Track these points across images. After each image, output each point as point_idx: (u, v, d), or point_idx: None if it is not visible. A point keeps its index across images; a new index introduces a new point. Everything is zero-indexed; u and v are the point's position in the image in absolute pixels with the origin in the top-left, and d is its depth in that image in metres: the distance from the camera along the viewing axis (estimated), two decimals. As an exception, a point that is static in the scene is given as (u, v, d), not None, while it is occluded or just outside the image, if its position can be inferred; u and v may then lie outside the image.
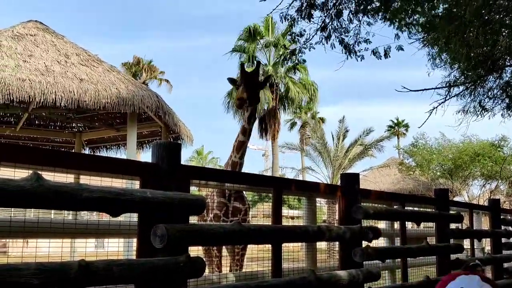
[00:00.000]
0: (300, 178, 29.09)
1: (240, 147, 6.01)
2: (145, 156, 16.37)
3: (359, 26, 8.47)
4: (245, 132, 6.01)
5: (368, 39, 8.59)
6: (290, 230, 4.10)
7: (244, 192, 6.28)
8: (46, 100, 9.98)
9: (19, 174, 2.43)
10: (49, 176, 2.51)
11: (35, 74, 10.19)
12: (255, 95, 5.76)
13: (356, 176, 5.06)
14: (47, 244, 3.43)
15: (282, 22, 8.57)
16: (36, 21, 12.11)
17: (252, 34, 27.15)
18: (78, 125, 14.96)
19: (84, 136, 15.10)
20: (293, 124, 49.74)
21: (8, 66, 10.12)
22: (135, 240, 4.13)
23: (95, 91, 10.47)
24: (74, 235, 3.60)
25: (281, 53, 26.82)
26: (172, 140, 13.90)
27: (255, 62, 6.69)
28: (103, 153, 15.89)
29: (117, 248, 5.21)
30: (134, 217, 3.41)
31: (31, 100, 10.06)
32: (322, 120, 47.36)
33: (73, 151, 14.63)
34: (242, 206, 6.11)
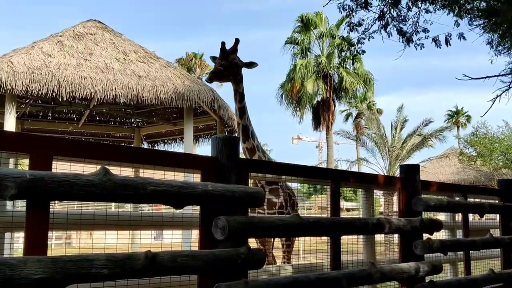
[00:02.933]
0: (356, 169, 28.73)
1: (240, 131, 6.09)
2: (201, 149, 16.69)
3: (418, 14, 8.24)
4: (237, 113, 6.13)
5: (426, 28, 8.36)
6: (349, 222, 4.07)
7: (284, 183, 6.24)
8: (107, 97, 10.34)
9: (88, 169, 2.55)
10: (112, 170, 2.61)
11: (96, 71, 10.56)
12: (230, 70, 5.88)
13: (416, 167, 4.94)
14: (109, 235, 3.58)
15: (340, 13, 8.45)
16: (95, 20, 12.53)
17: (305, 24, 26.90)
18: (137, 120, 15.39)
19: (143, 131, 15.53)
20: (348, 115, 49.09)
21: (70, 65, 10.54)
22: (192, 231, 4.23)
23: (153, 87, 10.75)
24: (134, 227, 3.74)
25: (336, 43, 26.49)
26: (226, 133, 14.07)
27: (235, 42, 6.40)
28: (161, 147, 16.30)
29: (174, 240, 5.34)
30: (188, 210, 3.48)
31: (92, 97, 10.45)
32: (379, 111, 46.46)
33: (133, 145, 15.11)
34: (276, 199, 6.10)
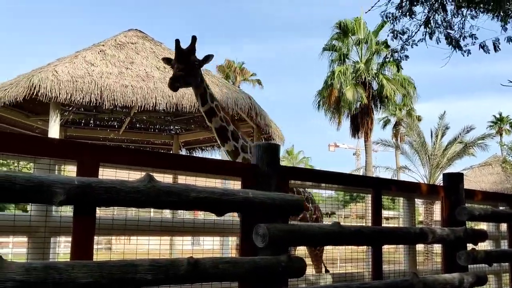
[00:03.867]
0: (395, 177, 28.25)
1: (215, 134, 5.52)
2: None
3: (464, 20, 8.09)
4: (205, 117, 5.51)
5: (474, 34, 8.20)
6: (391, 232, 4.00)
7: (308, 192, 6.01)
8: (147, 105, 10.54)
9: (133, 175, 2.60)
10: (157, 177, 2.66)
11: (137, 80, 10.78)
12: (191, 73, 5.14)
13: (460, 176, 4.83)
14: (146, 241, 3.63)
15: (383, 21, 8.39)
16: (136, 29, 12.80)
17: (343, 30, 26.76)
18: (176, 127, 15.60)
19: (181, 138, 15.72)
20: (386, 122, 48.39)
21: (112, 74, 10.80)
22: (230, 238, 4.25)
23: (192, 94, 10.88)
24: (176, 233, 3.78)
25: (374, 49, 26.20)
26: (263, 140, 14.09)
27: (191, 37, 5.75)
28: (199, 154, 16.46)
29: (212, 246, 5.38)
30: (227, 216, 3.49)
31: (133, 105, 10.66)
32: (418, 118, 45.63)
33: (171, 152, 15.32)
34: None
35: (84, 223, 2.39)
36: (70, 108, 13.11)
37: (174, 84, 4.95)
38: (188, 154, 16.15)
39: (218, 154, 15.61)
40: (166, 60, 5.41)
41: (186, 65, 5.02)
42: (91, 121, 14.81)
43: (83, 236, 2.40)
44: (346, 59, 27.17)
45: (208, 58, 5.26)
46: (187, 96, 10.81)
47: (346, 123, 27.48)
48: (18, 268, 2.01)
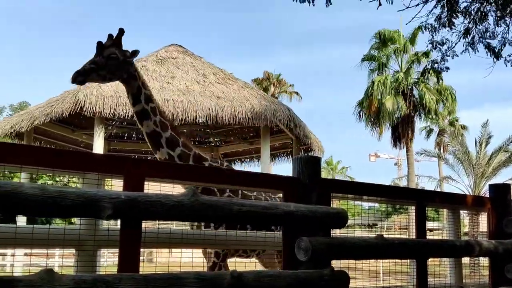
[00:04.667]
0: (438, 187, 27.55)
1: (147, 140, 5.07)
2: (276, 168, 16.75)
3: (507, 29, 7.95)
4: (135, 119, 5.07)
5: None
6: (436, 244, 3.92)
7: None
8: (188, 118, 10.74)
9: (176, 189, 2.65)
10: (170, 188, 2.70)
11: (178, 94, 11.01)
12: (107, 67, 4.63)
13: (507, 187, 4.69)
14: (188, 252, 3.68)
15: (422, 33, 8.35)
16: (176, 44, 13.09)
17: (382, 40, 26.53)
18: (215, 139, 15.78)
19: (221, 149, 15.88)
20: (429, 132, 47.38)
21: (154, 88, 11.05)
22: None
23: (231, 107, 11.02)
24: (213, 246, 3.82)
25: (414, 59, 25.79)
26: (302, 151, 14.09)
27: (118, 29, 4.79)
28: (238, 166, 16.58)
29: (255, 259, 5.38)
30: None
31: (174, 118, 10.87)
32: (463, 127, 44.49)
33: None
34: None
35: (130, 236, 2.45)
36: (114, 122, 13.47)
37: (77, 78, 4.48)
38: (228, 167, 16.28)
39: (257, 166, 15.68)
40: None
41: (99, 59, 4.61)
42: (134, 135, 15.15)
43: (129, 249, 2.46)
44: (385, 69, 26.84)
45: (134, 52, 4.81)
46: (226, 108, 10.95)
47: (387, 133, 27.12)
48: (69, 281, 2.08)
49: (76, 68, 4.50)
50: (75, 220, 3.42)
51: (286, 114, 11.54)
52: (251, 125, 11.76)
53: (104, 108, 10.30)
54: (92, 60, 4.59)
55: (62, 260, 3.37)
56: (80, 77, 4.49)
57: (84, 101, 10.23)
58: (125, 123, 13.76)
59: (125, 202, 2.25)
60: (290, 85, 43.29)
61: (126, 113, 10.40)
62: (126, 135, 15.13)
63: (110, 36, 4.68)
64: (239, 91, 11.82)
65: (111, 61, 4.63)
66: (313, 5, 7.49)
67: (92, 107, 10.28)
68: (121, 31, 4.74)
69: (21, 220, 9.13)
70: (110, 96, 10.44)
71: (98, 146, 10.94)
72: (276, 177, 3.30)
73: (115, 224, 2.95)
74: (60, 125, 12.62)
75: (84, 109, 10.34)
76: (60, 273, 2.12)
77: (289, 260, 3.15)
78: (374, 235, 3.40)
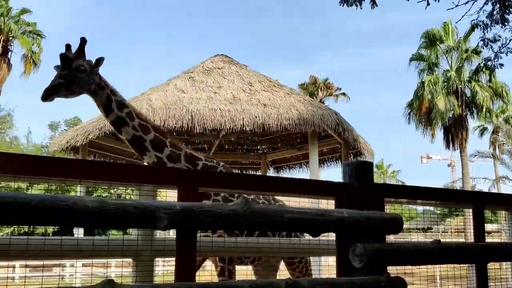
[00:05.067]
0: (494, 188, 26.58)
1: (131, 147, 4.86)
2: (325, 173, 16.58)
3: None
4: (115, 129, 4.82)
5: None
6: (496, 247, 3.78)
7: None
8: (235, 126, 10.83)
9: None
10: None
11: (224, 103, 11.13)
12: (76, 80, 4.35)
13: None
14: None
15: (474, 30, 8.13)
16: (222, 55, 13.27)
17: (431, 40, 25.95)
18: (263, 147, 15.83)
19: (269, 157, 15.91)
20: (482, 130, 45.78)
21: (201, 99, 11.24)
22: (323, 258, 4.21)
23: (278, 114, 11.04)
24: (268, 254, 3.82)
25: (465, 57, 25.06)
26: (351, 155, 13.92)
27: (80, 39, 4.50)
28: (286, 173, 16.55)
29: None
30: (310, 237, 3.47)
31: (221, 127, 11.00)
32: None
33: (260, 172, 15.56)
34: None
35: (186, 246, 2.50)
36: (163, 134, 13.75)
37: (47, 96, 4.23)
38: (275, 175, 16.28)
39: (306, 172, 15.61)
40: (58, 68, 4.47)
41: (67, 72, 4.32)
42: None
43: (185, 259, 2.50)
44: (435, 68, 26.20)
45: (99, 61, 4.56)
46: (273, 116, 10.98)
47: (439, 134, 26.42)
48: (129, 290, 2.14)
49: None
50: (130, 230, 3.52)
51: (333, 119, 11.45)
52: (298, 131, 11.73)
53: (154, 120, 10.53)
54: (59, 74, 4.30)
55: (121, 270, 3.47)
56: (49, 95, 4.23)
57: (135, 114, 10.52)
58: (174, 133, 14.03)
59: (180, 212, 2.30)
60: (337, 88, 42.94)
61: (175, 124, 10.62)
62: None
63: (68, 46, 4.36)
64: (285, 97, 11.83)
65: (80, 73, 4.39)
66: (361, 8, 7.41)
67: (142, 120, 10.55)
68: (83, 40, 4.45)
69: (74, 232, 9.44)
70: (160, 108, 10.70)
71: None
72: (328, 183, 3.28)
73: (168, 234, 3.02)
74: (113, 138, 12.99)
75: (135, 122, 10.62)
76: (120, 283, 2.19)
77: (344, 267, 3.12)
78: (430, 240, 3.32)
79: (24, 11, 32.33)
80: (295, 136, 14.26)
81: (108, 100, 4.61)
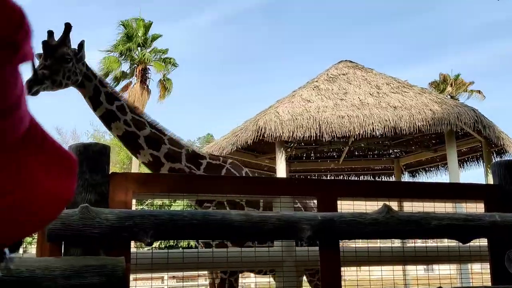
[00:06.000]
0: None
1: (123, 144, 4.42)
2: (465, 175, 15.57)
3: None
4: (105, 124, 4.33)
5: None
6: None
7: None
8: (364, 132, 10.63)
9: (369, 207, 2.63)
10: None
11: (352, 109, 10.99)
12: (60, 71, 3.85)
13: None
14: (379, 268, 3.58)
15: None
16: (346, 60, 13.15)
17: None
18: (395, 151, 15.30)
19: (402, 161, 15.33)
20: None
21: (328, 107, 11.21)
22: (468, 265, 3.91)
23: (409, 115, 10.63)
24: (404, 262, 3.66)
25: None
26: (494, 154, 12.90)
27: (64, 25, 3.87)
28: (422, 177, 15.79)
29: (449, 271, 5.05)
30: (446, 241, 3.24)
31: (350, 134, 10.86)
32: None
33: (393, 177, 15.05)
34: None
35: (329, 255, 2.50)
36: (292, 145, 13.94)
37: (32, 88, 3.73)
38: (410, 179, 15.62)
39: (445, 175, 14.77)
40: (39, 57, 3.96)
41: (50, 62, 3.85)
42: (312, 154, 15.48)
43: (330, 269, 2.50)
44: None
45: (81, 46, 4.09)
46: (404, 118, 10.60)
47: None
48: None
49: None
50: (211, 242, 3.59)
51: (471, 116, 10.71)
52: (433, 131, 11.16)
53: (283, 132, 10.74)
54: (42, 64, 3.83)
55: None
56: (35, 87, 3.76)
57: (265, 127, 10.80)
58: (303, 144, 14.16)
59: (321, 223, 2.31)
60: (470, 83, 40.23)
61: (303, 134, 10.72)
62: (304, 155, 15.53)
63: (51, 33, 3.91)
64: (416, 98, 11.35)
65: (65, 63, 3.93)
66: None
67: (272, 133, 10.79)
68: (68, 26, 3.96)
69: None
70: (288, 120, 10.87)
71: (281, 169, 11.40)
72: (475, 186, 3.07)
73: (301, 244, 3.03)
74: (245, 152, 13.48)
75: (265, 135, 10.90)
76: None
77: (499, 275, 2.89)
78: None
79: (155, 36, 34.80)
80: (430, 137, 13.58)
81: (96, 91, 4.19)
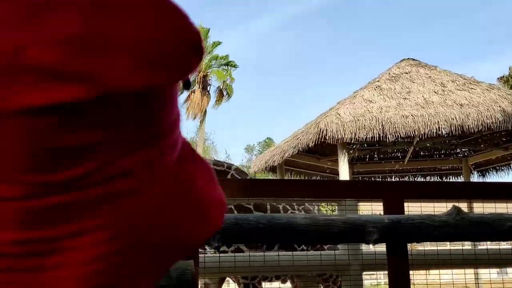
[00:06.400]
0: None
1: None
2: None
3: None
4: None
5: None
6: None
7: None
8: (430, 131, 10.32)
9: (438, 208, 2.57)
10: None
11: (416, 108, 10.71)
12: None
13: None
14: (450, 272, 3.46)
15: None
16: (408, 59, 12.84)
17: None
18: (463, 150, 14.74)
19: (470, 160, 14.75)
20: None
21: (390, 107, 10.98)
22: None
23: (477, 113, 10.23)
24: (475, 265, 3.52)
25: None
26: None
27: None
28: (493, 176, 15.12)
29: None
30: None
31: (415, 134, 10.58)
32: None
33: (461, 177, 14.50)
34: None
35: (398, 259, 2.46)
36: (355, 146, 13.75)
37: None
38: (480, 179, 15.00)
39: (516, 174, 14.07)
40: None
41: None
42: (375, 155, 15.18)
43: (398, 273, 2.46)
44: None
45: None
46: (471, 115, 10.21)
47: None
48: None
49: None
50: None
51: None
52: (504, 129, 10.66)
53: (345, 134, 10.62)
54: None
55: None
56: None
57: (326, 129, 10.72)
58: (365, 145, 13.93)
59: (388, 225, 2.28)
60: (543, 77, 38.05)
61: (366, 135, 10.55)
62: (367, 156, 15.27)
63: None
64: (484, 94, 10.89)
65: None
66: None
67: (334, 135, 10.69)
68: None
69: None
70: (349, 121, 10.75)
71: (344, 171, 11.28)
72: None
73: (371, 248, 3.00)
74: (306, 155, 13.43)
75: (327, 137, 10.82)
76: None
77: None
78: None
79: (216, 44, 35.39)
80: (500, 134, 12.98)
81: None
